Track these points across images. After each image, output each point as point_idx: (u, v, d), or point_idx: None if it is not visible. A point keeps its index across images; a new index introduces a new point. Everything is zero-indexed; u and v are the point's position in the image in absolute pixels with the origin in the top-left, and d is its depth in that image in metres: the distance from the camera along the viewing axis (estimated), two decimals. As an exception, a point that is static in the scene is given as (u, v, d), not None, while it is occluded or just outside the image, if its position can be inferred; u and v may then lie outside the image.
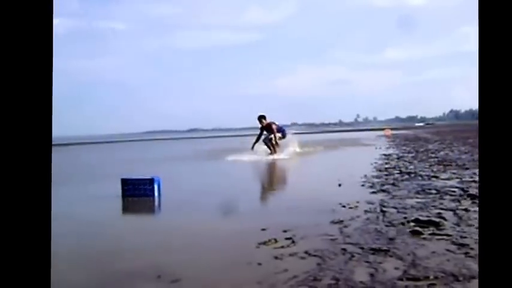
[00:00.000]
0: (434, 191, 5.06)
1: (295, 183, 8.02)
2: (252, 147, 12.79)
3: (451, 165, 7.99)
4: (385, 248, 2.90)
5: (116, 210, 5.36)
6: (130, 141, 41.82)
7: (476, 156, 8.61)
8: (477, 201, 3.94)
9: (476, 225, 3.23)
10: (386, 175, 7.01)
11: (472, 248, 2.78)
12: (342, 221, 3.75)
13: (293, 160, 12.05)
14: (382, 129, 41.90)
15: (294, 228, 3.51)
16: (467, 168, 7.25)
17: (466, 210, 3.94)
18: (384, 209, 4.21)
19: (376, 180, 6.45)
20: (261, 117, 13.12)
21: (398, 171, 7.42)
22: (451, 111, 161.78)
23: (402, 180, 6.24)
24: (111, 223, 4.56)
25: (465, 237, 3.05)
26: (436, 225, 3.42)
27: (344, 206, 4.42)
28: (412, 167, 8.11)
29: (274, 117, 13.49)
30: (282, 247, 3.06)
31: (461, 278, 2.28)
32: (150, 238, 3.73)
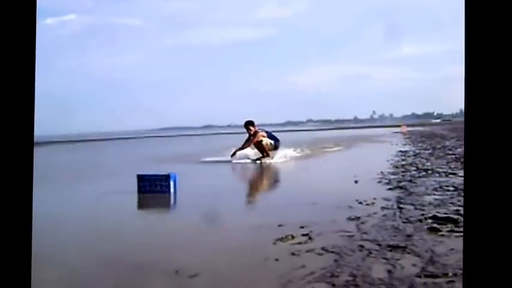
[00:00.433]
0: (452, 188, 5.01)
1: (310, 180, 8.01)
2: (232, 154, 10.78)
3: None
4: (402, 244, 2.89)
5: (132, 206, 5.42)
6: (148, 137, 42.14)
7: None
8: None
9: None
10: (403, 172, 6.97)
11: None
12: (358, 218, 3.73)
13: (306, 159, 11.93)
14: (398, 126, 41.59)
15: (310, 225, 3.51)
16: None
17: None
18: (401, 205, 4.19)
19: (392, 176, 6.41)
20: (248, 124, 11.04)
21: (415, 168, 7.37)
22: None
23: (419, 177, 6.20)
24: (127, 218, 4.61)
25: (484, 235, 3.02)
26: (454, 222, 3.39)
27: (361, 203, 4.40)
28: (429, 163, 8.05)
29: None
30: (299, 243, 3.06)
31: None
32: (166, 234, 3.77)
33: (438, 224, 3.36)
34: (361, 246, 2.90)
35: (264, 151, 10.74)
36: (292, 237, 3.20)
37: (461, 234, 3.06)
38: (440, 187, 5.16)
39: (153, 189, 5.73)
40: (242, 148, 10.90)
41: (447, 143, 14.62)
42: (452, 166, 7.36)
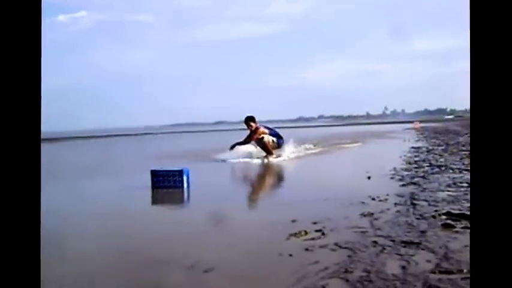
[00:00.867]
0: (465, 184, 4.98)
1: (322, 176, 8.00)
2: (232, 147, 10.29)
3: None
4: (416, 240, 2.88)
5: (146, 201, 5.47)
6: (160, 133, 42.35)
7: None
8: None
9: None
10: (416, 168, 6.94)
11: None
12: (372, 214, 3.73)
13: (317, 155, 11.84)
14: (411, 122, 41.33)
15: (323, 220, 3.52)
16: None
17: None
18: (415, 201, 4.18)
19: (405, 173, 6.39)
20: (249, 120, 10.37)
21: (428, 164, 7.32)
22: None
23: (432, 173, 6.16)
24: (141, 213, 4.65)
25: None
26: (468, 218, 3.37)
27: (374, 199, 4.39)
28: (442, 160, 7.99)
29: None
30: (313, 239, 3.07)
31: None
32: (180, 229, 3.80)
33: (452, 220, 3.35)
34: (375, 242, 2.90)
35: (266, 149, 10.17)
36: (306, 232, 3.21)
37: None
38: (454, 183, 5.13)
39: (167, 184, 5.80)
40: (242, 143, 10.33)
41: (460, 139, 14.49)
42: (466, 162, 7.30)
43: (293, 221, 3.57)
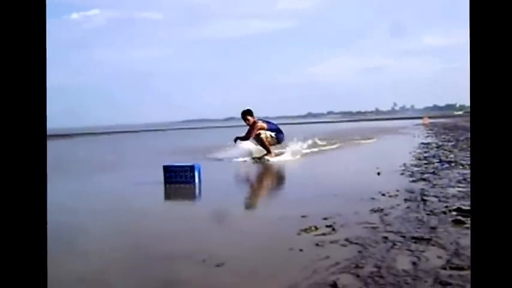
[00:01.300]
0: (476, 181, 4.95)
1: (332, 172, 8.00)
2: (235, 140, 9.59)
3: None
4: (427, 236, 2.88)
5: (159, 196, 5.52)
6: (172, 129, 42.45)
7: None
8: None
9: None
10: (425, 164, 6.91)
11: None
12: (382, 210, 3.74)
13: (323, 152, 11.51)
14: (420, 118, 41.09)
15: (334, 216, 3.53)
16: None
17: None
18: (425, 197, 4.17)
19: (415, 169, 6.37)
20: (245, 114, 9.59)
21: (438, 160, 7.30)
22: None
23: (442, 169, 6.14)
24: (154, 208, 4.69)
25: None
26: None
27: (384, 195, 4.40)
28: (452, 155, 7.95)
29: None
30: (323, 234, 3.08)
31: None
32: (192, 224, 3.83)
33: (463, 216, 3.34)
34: (385, 237, 2.91)
35: (264, 147, 9.33)
36: (316, 228, 3.23)
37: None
38: (464, 179, 5.11)
39: (179, 180, 5.86)
40: (243, 138, 9.48)
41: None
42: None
43: (303, 216, 3.58)
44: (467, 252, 2.51)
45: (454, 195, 4.20)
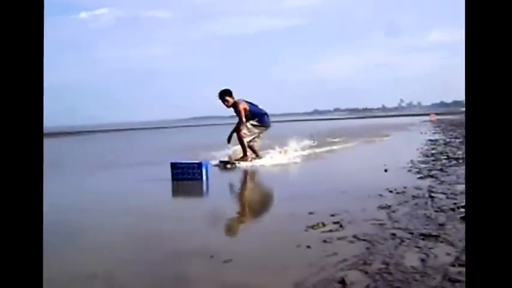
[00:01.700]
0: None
1: (339, 169, 7.98)
2: (229, 140, 8.07)
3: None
4: (435, 233, 2.87)
5: (167, 193, 5.54)
6: (177, 127, 42.52)
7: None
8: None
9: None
10: (433, 161, 6.88)
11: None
12: (389, 206, 3.72)
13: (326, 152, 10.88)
14: (427, 115, 40.89)
15: (341, 213, 3.53)
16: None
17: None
18: (433, 194, 4.15)
19: (423, 165, 6.34)
20: (224, 94, 7.97)
21: (445, 157, 7.26)
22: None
23: (450, 166, 6.11)
24: (162, 205, 4.70)
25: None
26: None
27: (391, 191, 4.38)
28: (460, 152, 7.90)
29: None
30: (330, 231, 3.07)
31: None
32: (200, 220, 3.84)
33: (471, 213, 3.32)
34: (393, 234, 2.90)
35: (242, 147, 7.89)
36: (323, 224, 3.22)
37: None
38: (472, 176, 5.07)
39: (186, 177, 5.88)
40: (236, 130, 7.95)
41: (478, 131, 14.27)
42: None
43: (310, 213, 3.58)
44: (476, 249, 2.50)
45: (462, 192, 4.17)
